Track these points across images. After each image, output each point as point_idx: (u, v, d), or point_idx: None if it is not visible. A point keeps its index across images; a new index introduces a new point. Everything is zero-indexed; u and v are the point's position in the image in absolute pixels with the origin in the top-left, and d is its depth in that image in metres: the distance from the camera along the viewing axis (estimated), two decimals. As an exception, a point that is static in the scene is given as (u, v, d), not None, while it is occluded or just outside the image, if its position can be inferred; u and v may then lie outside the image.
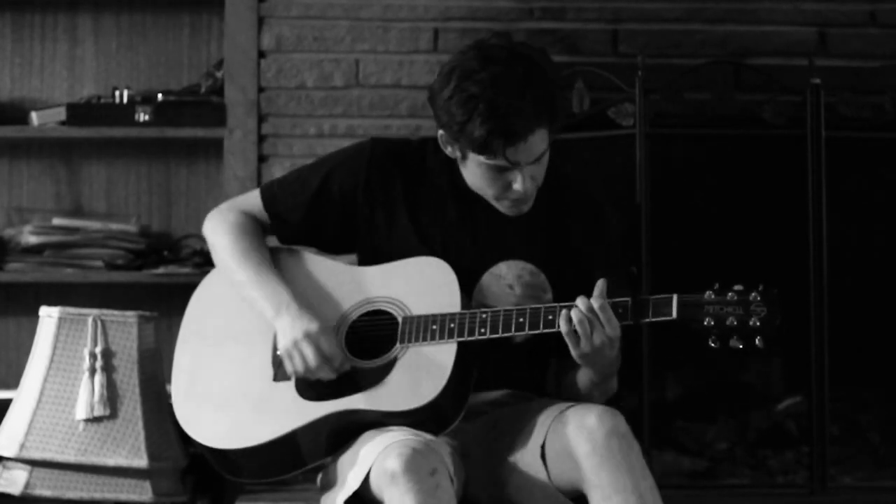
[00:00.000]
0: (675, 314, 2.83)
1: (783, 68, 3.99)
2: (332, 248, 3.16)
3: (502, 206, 3.03)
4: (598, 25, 4.18)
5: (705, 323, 2.83)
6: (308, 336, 2.97)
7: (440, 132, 3.01)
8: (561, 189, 3.10)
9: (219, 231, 3.15)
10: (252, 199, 3.19)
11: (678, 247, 4.02)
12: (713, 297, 2.84)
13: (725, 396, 4.21)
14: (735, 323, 2.82)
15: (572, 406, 2.90)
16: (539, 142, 2.93)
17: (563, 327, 2.86)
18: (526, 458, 2.92)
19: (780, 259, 4.01)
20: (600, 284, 2.87)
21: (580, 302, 2.86)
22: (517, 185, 2.96)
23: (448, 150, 3.02)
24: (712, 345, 2.83)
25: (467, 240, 3.07)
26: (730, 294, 2.84)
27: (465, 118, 2.91)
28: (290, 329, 2.99)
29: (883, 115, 3.95)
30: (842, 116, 3.93)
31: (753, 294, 2.83)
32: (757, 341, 2.81)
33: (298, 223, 3.13)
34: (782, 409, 4.21)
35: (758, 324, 2.81)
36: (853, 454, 4.12)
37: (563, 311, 2.87)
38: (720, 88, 3.90)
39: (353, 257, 3.17)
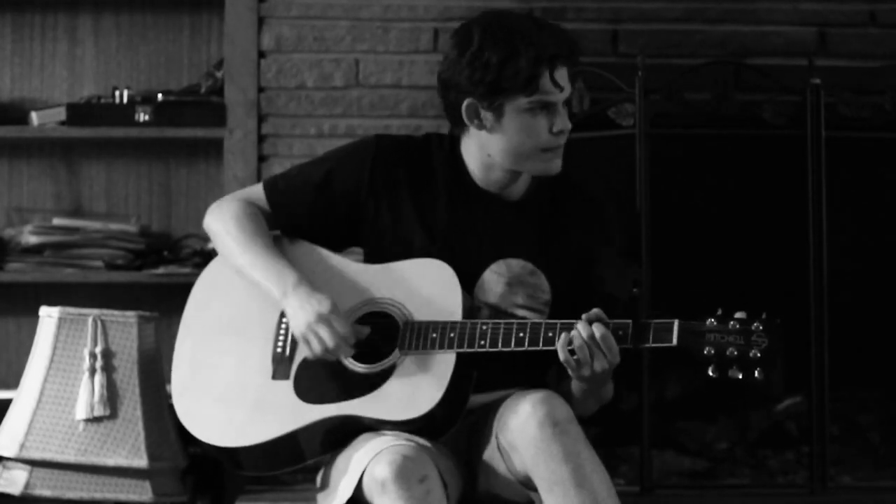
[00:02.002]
0: (675, 341, 2.80)
1: (783, 68, 3.99)
2: (335, 242, 3.15)
3: (541, 163, 3.00)
4: (598, 25, 4.18)
5: (705, 352, 2.79)
6: (321, 318, 2.94)
7: (466, 103, 2.98)
8: (563, 189, 3.10)
9: (222, 218, 3.13)
10: (255, 193, 3.17)
11: (678, 247, 4.02)
12: (714, 324, 2.79)
13: (725, 396, 4.21)
14: (735, 353, 2.77)
15: (513, 396, 2.89)
16: (567, 76, 2.97)
17: (560, 355, 2.84)
18: (489, 450, 2.93)
19: (779, 259, 4.02)
20: (599, 312, 2.84)
21: (582, 329, 2.83)
22: (557, 125, 2.96)
23: (475, 123, 3.00)
24: (711, 374, 2.80)
25: (470, 236, 3.06)
26: (731, 322, 2.78)
27: (504, 57, 2.91)
28: (302, 311, 2.96)
29: (883, 115, 3.95)
30: (842, 116, 3.93)
31: (756, 324, 2.78)
32: (756, 373, 2.77)
33: (302, 217, 3.12)
34: (782, 409, 4.21)
35: (758, 355, 2.77)
36: (853, 454, 4.12)
37: (563, 337, 2.84)
38: (720, 88, 3.90)
39: (354, 253, 3.16)
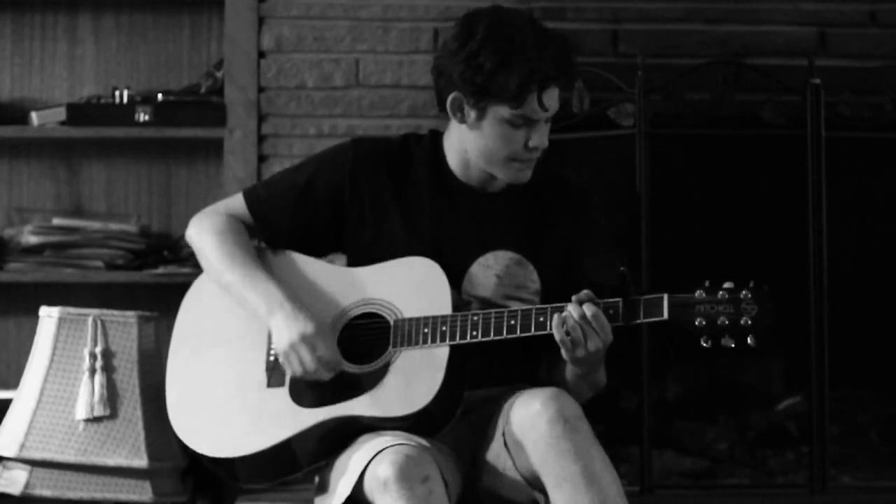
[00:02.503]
0: (665, 314, 2.83)
1: (783, 68, 3.99)
2: (318, 249, 3.15)
3: (510, 172, 3.02)
4: (598, 25, 4.18)
5: (696, 323, 2.82)
6: (304, 339, 2.95)
7: (452, 96, 2.99)
8: (544, 180, 3.12)
9: (204, 234, 3.13)
10: (236, 203, 3.17)
11: (678, 247, 4.02)
12: (704, 296, 2.83)
13: (725, 396, 4.21)
14: (726, 322, 2.81)
15: (522, 393, 2.89)
16: (557, 96, 2.97)
17: (556, 335, 2.85)
18: (494, 448, 2.93)
19: (780, 259, 4.01)
20: (588, 292, 2.86)
21: (573, 309, 2.85)
22: (534, 141, 2.97)
23: (458, 117, 3.01)
24: (704, 344, 2.82)
25: (454, 232, 3.07)
26: (720, 293, 2.82)
27: (497, 66, 2.91)
28: (286, 330, 2.97)
29: (883, 115, 3.95)
30: (842, 116, 3.94)
31: (744, 292, 2.82)
32: (749, 340, 2.80)
33: (284, 225, 3.13)
34: (782, 409, 4.21)
35: (749, 322, 2.80)
36: (853, 454, 4.12)
37: (556, 318, 2.86)
38: (720, 88, 3.90)
39: (341, 258, 3.16)
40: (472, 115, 2.99)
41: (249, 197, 3.16)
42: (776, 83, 3.91)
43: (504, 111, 2.95)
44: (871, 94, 3.96)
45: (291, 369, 2.98)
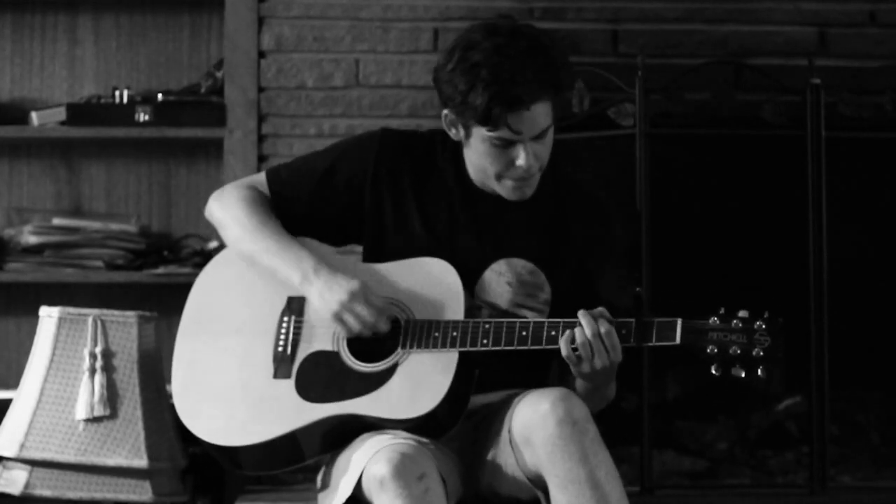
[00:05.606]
0: (678, 339, 2.81)
1: (783, 68, 3.99)
2: (334, 235, 3.14)
3: (505, 189, 3.00)
4: (598, 25, 4.18)
5: (708, 350, 2.81)
6: (354, 295, 2.94)
7: (444, 112, 2.98)
8: (566, 189, 3.09)
9: (228, 205, 3.12)
10: (257, 181, 3.16)
11: (678, 247, 4.02)
12: (717, 323, 2.81)
13: (725, 396, 4.21)
14: (738, 352, 2.79)
15: (529, 392, 2.88)
16: (542, 115, 2.91)
17: (563, 350, 2.85)
18: (498, 445, 2.92)
19: (780, 259, 4.02)
20: (602, 310, 2.85)
21: (587, 325, 2.84)
22: (520, 161, 2.93)
23: (452, 133, 3.00)
24: (714, 372, 2.81)
25: (471, 235, 3.06)
26: (734, 321, 2.80)
27: (468, 87, 2.88)
28: (330, 292, 2.96)
29: (883, 115, 3.95)
30: (842, 116, 3.94)
31: (758, 323, 2.80)
32: (759, 371, 2.79)
33: (303, 207, 3.11)
34: (782, 409, 4.21)
35: (761, 354, 2.79)
36: (853, 454, 4.12)
37: (567, 333, 2.85)
38: (720, 88, 3.90)
39: (354, 252, 3.16)
40: (461, 132, 2.99)
41: (272, 176, 3.14)
42: (776, 83, 3.91)
43: (483, 131, 2.94)
44: (871, 94, 3.96)
45: (347, 329, 2.96)
